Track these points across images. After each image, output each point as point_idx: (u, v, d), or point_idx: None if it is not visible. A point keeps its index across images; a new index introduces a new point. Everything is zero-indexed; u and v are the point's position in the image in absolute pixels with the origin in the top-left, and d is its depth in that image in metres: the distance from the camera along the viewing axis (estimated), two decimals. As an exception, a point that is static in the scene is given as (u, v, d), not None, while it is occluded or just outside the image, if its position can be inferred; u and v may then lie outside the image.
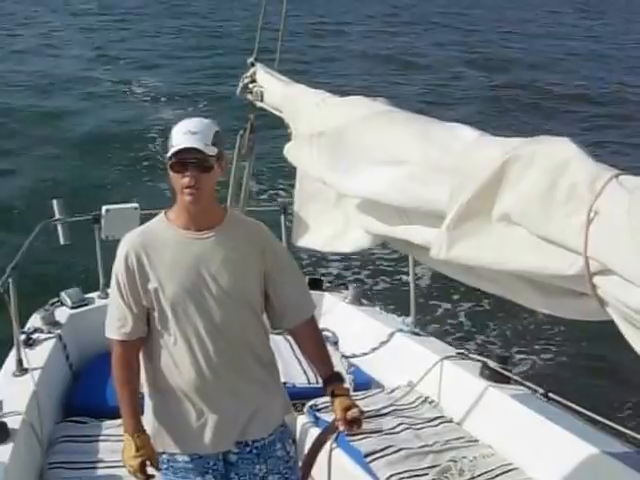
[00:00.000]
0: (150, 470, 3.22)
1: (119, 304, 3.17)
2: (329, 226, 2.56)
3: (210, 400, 3.19)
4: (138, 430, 3.22)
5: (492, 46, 36.08)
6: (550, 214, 1.56)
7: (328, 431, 3.77)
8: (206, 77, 28.70)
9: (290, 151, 2.64)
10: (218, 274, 3.11)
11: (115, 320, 3.20)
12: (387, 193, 2.01)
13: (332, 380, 3.35)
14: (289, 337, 5.51)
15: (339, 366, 5.30)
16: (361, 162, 2.17)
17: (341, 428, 3.37)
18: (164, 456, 3.28)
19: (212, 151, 2.99)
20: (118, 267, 3.16)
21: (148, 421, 3.29)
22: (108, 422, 4.70)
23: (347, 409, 3.25)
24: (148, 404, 3.29)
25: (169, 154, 3.00)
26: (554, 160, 1.60)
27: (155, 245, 3.14)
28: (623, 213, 1.43)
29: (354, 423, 3.29)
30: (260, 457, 3.28)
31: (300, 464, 3.70)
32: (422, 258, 2.10)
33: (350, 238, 2.41)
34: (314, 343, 3.41)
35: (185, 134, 3.00)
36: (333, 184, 2.33)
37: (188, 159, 2.98)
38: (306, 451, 4.08)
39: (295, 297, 3.31)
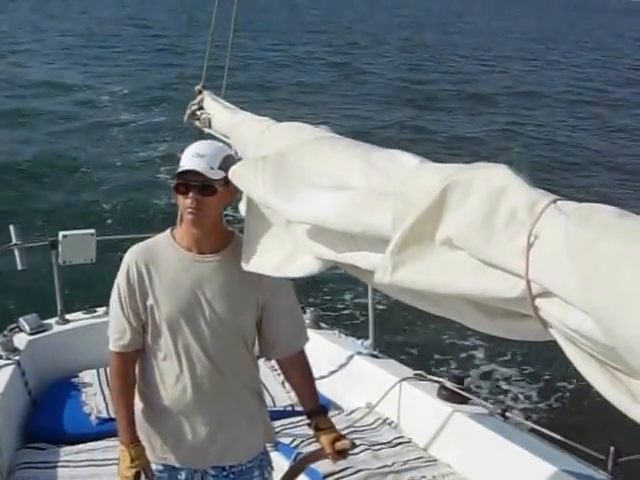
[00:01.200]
0: None
1: (118, 316, 3.18)
2: (279, 250, 2.55)
3: (189, 419, 3.20)
4: (133, 441, 3.23)
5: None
6: (491, 238, 1.57)
7: (309, 458, 3.75)
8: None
9: (235, 174, 2.65)
10: (214, 300, 3.11)
11: (114, 332, 3.22)
12: (331, 218, 2.01)
13: (316, 414, 3.37)
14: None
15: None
16: (304, 187, 2.17)
17: (332, 461, 3.40)
18: None
19: (217, 175, 2.99)
20: (120, 279, 3.17)
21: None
22: (67, 448, 4.69)
23: (334, 441, 3.28)
24: (135, 411, 3.29)
25: (175, 174, 3.02)
26: (492, 186, 1.62)
27: (157, 262, 3.15)
28: (561, 237, 1.45)
29: (341, 454, 3.33)
30: None
31: None
32: (370, 282, 2.11)
33: (300, 263, 2.40)
34: (302, 376, 3.41)
35: (193, 156, 3.03)
36: (277, 209, 2.33)
37: (191, 181, 2.99)
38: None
39: (288, 329, 3.33)
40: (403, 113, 27.85)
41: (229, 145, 3.39)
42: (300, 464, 3.83)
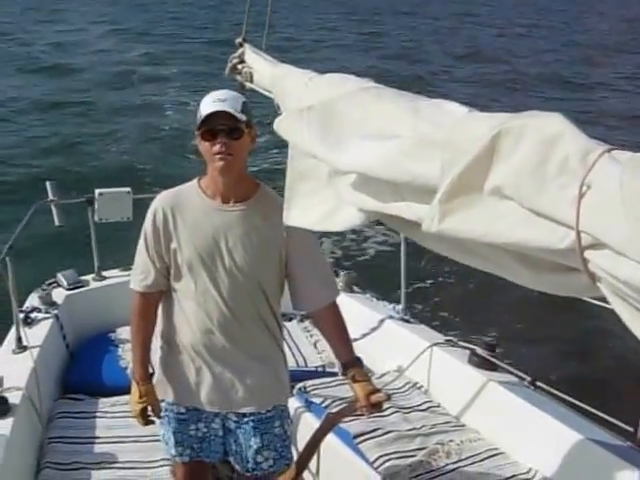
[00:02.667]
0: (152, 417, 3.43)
1: (144, 257, 3.25)
2: (321, 205, 2.52)
3: (209, 362, 3.25)
4: (144, 378, 3.36)
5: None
6: (542, 188, 1.53)
7: (342, 413, 3.75)
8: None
9: (280, 124, 2.60)
10: (234, 248, 3.12)
11: (138, 272, 3.30)
12: (378, 167, 1.97)
13: (352, 365, 3.35)
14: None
15: (328, 351, 5.33)
16: (351, 136, 2.13)
17: (365, 414, 3.40)
18: (163, 404, 3.41)
19: (242, 117, 2.99)
20: (147, 223, 3.23)
21: (156, 370, 3.42)
22: (104, 400, 4.77)
23: (370, 394, 3.28)
24: (157, 354, 3.38)
25: (199, 123, 3.01)
26: (545, 134, 1.57)
27: (182, 208, 3.18)
28: (615, 186, 1.40)
29: (375, 406, 3.34)
30: (257, 430, 3.33)
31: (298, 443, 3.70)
32: (414, 235, 2.07)
33: (342, 217, 2.37)
34: (335, 328, 3.39)
35: (214, 102, 3.02)
36: (324, 159, 2.28)
37: (218, 126, 2.98)
38: (298, 432, 4.10)
39: (316, 283, 3.31)
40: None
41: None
42: (331, 421, 3.83)
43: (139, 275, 3.31)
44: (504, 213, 1.63)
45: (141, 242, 3.28)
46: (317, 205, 2.56)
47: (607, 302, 1.56)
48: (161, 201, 3.26)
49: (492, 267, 1.84)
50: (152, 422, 3.45)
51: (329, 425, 3.82)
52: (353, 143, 2.10)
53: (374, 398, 3.30)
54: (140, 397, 3.35)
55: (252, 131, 3.14)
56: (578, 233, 1.48)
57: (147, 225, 3.25)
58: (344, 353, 3.39)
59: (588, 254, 1.49)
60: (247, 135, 3.10)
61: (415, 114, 1.98)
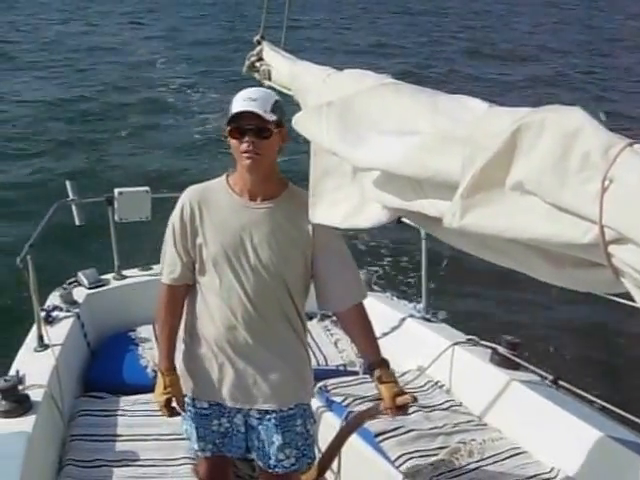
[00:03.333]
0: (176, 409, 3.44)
1: (171, 250, 3.27)
2: (346, 202, 2.52)
3: (232, 358, 3.27)
4: (169, 369, 3.38)
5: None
6: (564, 182, 1.52)
7: (367, 414, 3.76)
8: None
9: (299, 121, 2.60)
10: (259, 246, 3.14)
11: (166, 266, 3.31)
12: (398, 163, 1.97)
13: (379, 366, 3.35)
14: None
15: (349, 350, 5.33)
16: (370, 132, 2.12)
17: (390, 416, 3.39)
18: (186, 399, 3.43)
19: (271, 117, 3.00)
20: (174, 216, 3.25)
21: (179, 364, 3.43)
22: (124, 398, 4.80)
23: (396, 395, 3.28)
24: (180, 348, 3.40)
25: (228, 120, 3.02)
26: (566, 128, 1.56)
27: (210, 204, 3.20)
28: (637, 180, 1.40)
29: (402, 409, 3.33)
30: (279, 428, 3.34)
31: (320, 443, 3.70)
32: (436, 231, 2.07)
33: (368, 214, 2.37)
34: (361, 329, 3.40)
35: (245, 100, 3.04)
36: (344, 155, 2.28)
37: (246, 125, 2.99)
38: (319, 431, 4.10)
39: (344, 283, 3.31)
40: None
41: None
42: (355, 422, 3.84)
43: (167, 268, 3.34)
44: (526, 208, 1.63)
45: (168, 235, 3.30)
46: (342, 202, 2.56)
47: (631, 298, 1.55)
48: (189, 195, 3.28)
49: (514, 263, 1.84)
50: (177, 414, 3.46)
51: (353, 426, 3.82)
52: (373, 139, 2.09)
53: (400, 400, 3.29)
54: (165, 388, 3.37)
55: (283, 130, 3.13)
56: (601, 228, 1.46)
57: (175, 219, 3.26)
58: (371, 354, 3.39)
59: (612, 249, 1.48)
60: (277, 135, 3.10)
61: (435, 110, 1.97)
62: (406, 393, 3.36)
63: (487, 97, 1.96)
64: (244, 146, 3.04)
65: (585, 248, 1.53)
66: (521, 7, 55.24)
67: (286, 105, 3.23)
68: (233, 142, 3.08)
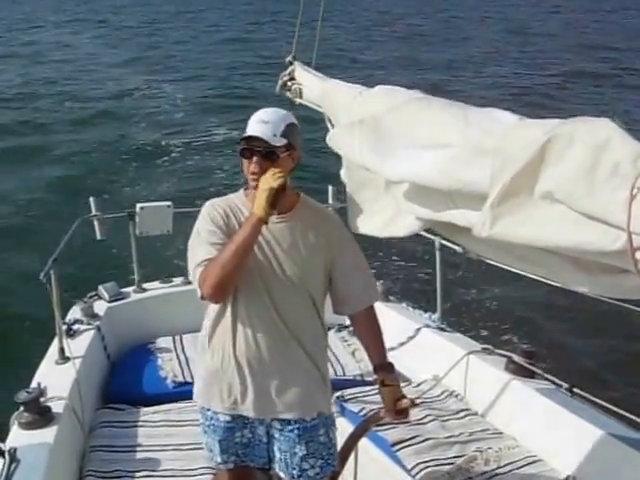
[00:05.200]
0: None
1: (203, 245, 3.10)
2: (382, 212, 2.55)
3: (255, 370, 3.23)
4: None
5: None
6: (593, 191, 1.53)
7: (370, 421, 3.75)
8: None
9: (332, 139, 2.62)
10: (283, 260, 3.13)
11: (202, 256, 3.08)
12: (430, 176, 1.98)
13: (383, 369, 3.34)
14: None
15: (366, 360, 5.30)
16: (402, 146, 2.14)
17: (388, 419, 3.37)
18: (208, 412, 3.37)
19: (279, 142, 3.00)
20: (202, 222, 3.17)
21: (199, 376, 3.38)
22: (144, 409, 4.79)
23: (397, 400, 3.27)
24: (201, 360, 3.36)
25: (240, 140, 3.05)
26: (596, 138, 1.57)
27: (232, 215, 3.18)
28: None
29: (401, 413, 3.31)
30: (301, 438, 3.32)
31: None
32: (465, 241, 2.07)
33: (402, 223, 2.39)
34: (370, 332, 3.40)
35: (257, 122, 3.05)
36: (376, 169, 2.29)
37: (255, 147, 3.01)
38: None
39: (357, 286, 3.30)
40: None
41: (322, 114, 3.37)
42: (361, 429, 3.82)
43: (201, 257, 3.07)
44: (555, 217, 1.63)
45: (195, 238, 3.17)
46: (378, 212, 2.58)
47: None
48: (213, 205, 3.25)
49: (542, 271, 1.84)
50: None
51: (360, 433, 3.82)
52: (404, 153, 2.11)
53: (399, 404, 3.28)
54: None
55: (294, 153, 3.10)
56: (629, 235, 1.46)
57: (202, 224, 3.17)
58: (376, 356, 3.40)
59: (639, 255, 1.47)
60: (286, 157, 3.07)
61: (465, 123, 1.99)
62: (406, 396, 3.34)
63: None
64: (252, 167, 3.06)
65: (613, 255, 1.54)
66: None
67: (317, 122, 3.23)
68: (243, 161, 3.11)
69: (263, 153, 3.01)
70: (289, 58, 4.03)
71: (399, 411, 3.30)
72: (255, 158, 3.02)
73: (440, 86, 24.35)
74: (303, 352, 3.26)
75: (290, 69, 3.99)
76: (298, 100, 3.86)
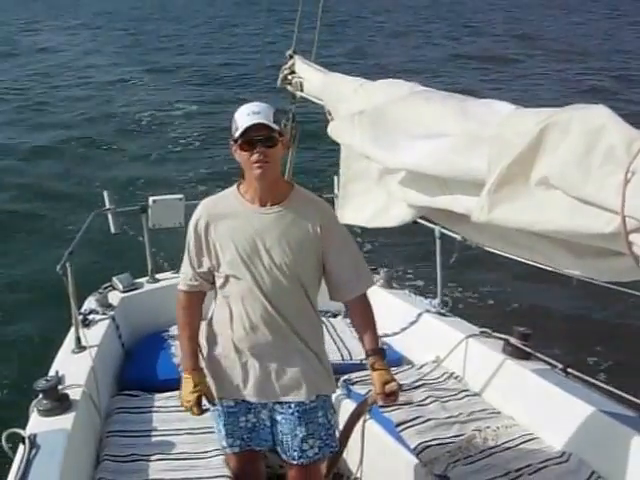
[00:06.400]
0: (207, 406, 3.39)
1: (186, 260, 3.30)
2: (373, 203, 2.53)
3: (255, 357, 3.28)
4: (195, 368, 3.35)
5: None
6: (587, 176, 1.51)
7: (365, 403, 3.75)
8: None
9: (333, 130, 2.60)
10: (272, 248, 3.15)
11: (183, 273, 3.35)
12: (428, 164, 1.97)
13: (374, 353, 3.35)
14: (327, 318, 5.67)
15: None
16: (402, 136, 2.12)
17: (379, 401, 3.37)
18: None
19: (275, 127, 3.05)
20: (190, 230, 3.28)
21: (204, 368, 3.41)
22: (158, 395, 4.78)
23: (386, 383, 3.27)
24: (204, 352, 3.40)
25: (237, 135, 3.06)
26: (590, 125, 1.55)
27: (223, 213, 3.23)
28: None
29: (391, 396, 3.30)
30: (301, 420, 3.35)
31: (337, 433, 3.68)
32: (461, 228, 2.05)
33: (394, 213, 2.37)
34: (363, 318, 3.40)
35: (249, 115, 3.07)
36: (377, 158, 2.28)
37: (255, 137, 3.03)
38: (341, 421, 4.07)
39: (350, 273, 3.31)
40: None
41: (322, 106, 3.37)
42: (358, 412, 3.84)
43: (183, 275, 3.36)
44: (551, 202, 1.62)
45: (186, 246, 3.32)
46: (369, 203, 2.57)
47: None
48: (203, 208, 3.31)
49: (535, 256, 1.82)
50: (206, 410, 3.42)
51: (357, 416, 3.84)
52: (404, 143, 2.10)
53: (388, 387, 3.29)
54: (194, 386, 3.33)
55: (284, 139, 3.19)
56: (623, 218, 1.45)
57: (190, 231, 3.29)
58: (368, 341, 3.39)
59: (633, 237, 1.49)
60: (280, 143, 3.13)
61: (464, 113, 1.98)
62: (394, 380, 3.34)
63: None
64: (255, 156, 3.07)
65: (607, 238, 1.52)
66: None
67: (318, 114, 3.23)
68: (243, 154, 3.12)
69: (264, 140, 3.04)
70: (289, 52, 4.00)
71: (388, 394, 3.30)
72: (257, 148, 3.04)
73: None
74: (298, 338, 3.29)
75: (290, 62, 3.97)
76: (299, 93, 3.85)
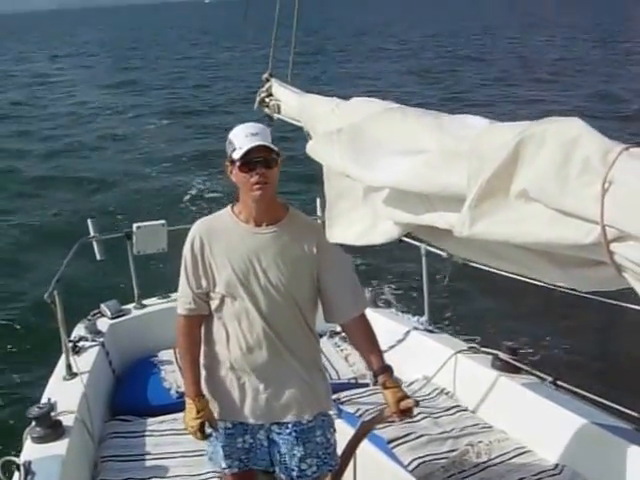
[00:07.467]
0: (208, 431, 3.37)
1: (185, 283, 3.28)
2: (360, 221, 2.54)
3: (252, 378, 3.27)
4: (198, 394, 3.33)
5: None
6: (566, 187, 1.53)
7: (374, 420, 3.74)
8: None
9: (312, 149, 2.62)
10: (268, 268, 3.15)
11: (181, 297, 3.32)
12: (408, 181, 1.98)
13: (383, 372, 3.34)
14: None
15: (359, 364, 5.32)
16: (380, 154, 2.14)
17: (395, 418, 3.37)
18: None
19: (275, 148, 3.09)
20: (185, 251, 3.27)
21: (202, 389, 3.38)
22: (151, 419, 4.79)
23: (400, 400, 3.27)
24: (202, 373, 3.38)
25: (237, 156, 3.07)
26: (565, 137, 1.58)
27: (218, 234, 3.23)
28: (637, 181, 1.41)
29: (406, 412, 3.32)
30: (299, 440, 3.33)
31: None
32: (446, 244, 2.08)
33: (381, 230, 2.38)
34: (365, 338, 3.40)
35: (247, 136, 3.09)
36: (357, 176, 2.30)
37: (255, 158, 3.05)
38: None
39: (346, 295, 3.32)
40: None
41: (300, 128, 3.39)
42: (364, 429, 3.81)
43: (182, 299, 3.33)
44: (531, 214, 1.63)
45: (182, 269, 3.31)
46: (356, 222, 2.57)
47: (628, 300, 1.56)
48: (198, 229, 3.31)
49: (520, 269, 1.85)
50: (209, 435, 3.41)
51: (363, 433, 3.80)
52: (382, 160, 2.11)
53: (403, 404, 3.29)
54: (197, 412, 3.31)
55: (279, 159, 3.19)
56: (603, 227, 1.47)
57: (186, 252, 3.29)
58: (375, 361, 3.39)
59: (614, 247, 1.49)
60: (278, 163, 3.17)
61: (439, 129, 1.99)
62: (409, 397, 3.34)
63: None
64: (255, 178, 3.08)
65: (588, 248, 1.54)
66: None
67: (298, 136, 3.27)
68: (242, 176, 3.12)
69: (263, 162, 3.06)
70: (266, 75, 4.01)
71: (403, 411, 3.30)
72: (257, 169, 3.06)
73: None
74: (294, 359, 3.28)
75: (267, 85, 3.98)
76: (276, 116, 3.85)
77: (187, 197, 15.77)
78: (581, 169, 1.51)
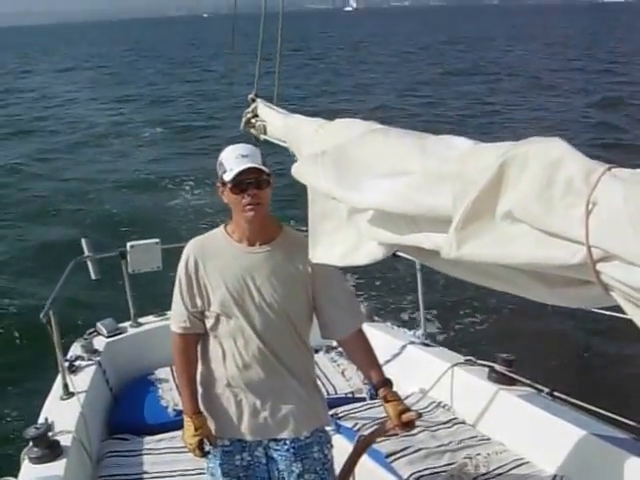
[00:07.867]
0: (207, 448, 3.37)
1: (179, 302, 3.28)
2: (344, 242, 2.54)
3: (249, 395, 3.27)
4: (196, 412, 3.34)
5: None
6: (550, 209, 1.54)
7: (375, 433, 3.74)
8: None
9: (298, 171, 2.63)
10: (262, 287, 3.16)
11: (176, 315, 3.32)
12: (393, 203, 1.98)
13: (383, 386, 3.35)
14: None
15: (355, 378, 5.33)
16: (365, 175, 2.14)
17: (398, 431, 3.37)
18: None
19: (266, 169, 3.09)
20: (180, 270, 3.28)
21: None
22: (148, 438, 4.78)
23: (401, 413, 3.26)
24: (199, 391, 3.38)
25: (229, 178, 3.09)
26: (548, 158, 1.58)
27: (212, 253, 3.24)
28: (620, 202, 1.41)
29: (408, 424, 3.31)
30: (297, 456, 3.32)
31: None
32: (432, 262, 2.08)
33: (365, 251, 2.38)
34: (363, 353, 3.41)
35: (237, 158, 3.11)
36: (342, 198, 2.31)
37: (247, 180, 3.06)
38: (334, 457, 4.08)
39: (342, 311, 3.33)
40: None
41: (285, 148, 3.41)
42: (365, 442, 3.81)
43: (177, 317, 3.34)
44: (517, 235, 1.64)
45: (176, 287, 3.32)
46: (340, 242, 2.57)
47: (618, 311, 1.56)
48: (192, 248, 3.32)
49: (509, 287, 1.84)
50: (208, 453, 3.40)
51: (363, 446, 3.80)
52: (367, 182, 2.11)
53: (405, 417, 3.29)
54: (195, 430, 3.31)
55: (271, 179, 3.20)
56: (589, 248, 1.48)
57: (180, 272, 3.30)
58: (375, 375, 3.39)
59: (600, 266, 1.50)
60: (270, 184, 3.18)
61: (422, 150, 2.00)
62: (410, 410, 3.35)
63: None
64: (247, 199, 3.10)
65: (575, 268, 1.54)
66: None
67: (282, 156, 3.28)
68: (234, 197, 3.14)
69: (255, 183, 3.07)
70: (251, 95, 4.03)
71: (405, 423, 3.29)
72: (249, 190, 3.07)
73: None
74: (290, 376, 3.28)
75: (253, 106, 3.99)
76: (262, 136, 3.86)
77: (181, 213, 15.77)
78: (565, 190, 1.52)
